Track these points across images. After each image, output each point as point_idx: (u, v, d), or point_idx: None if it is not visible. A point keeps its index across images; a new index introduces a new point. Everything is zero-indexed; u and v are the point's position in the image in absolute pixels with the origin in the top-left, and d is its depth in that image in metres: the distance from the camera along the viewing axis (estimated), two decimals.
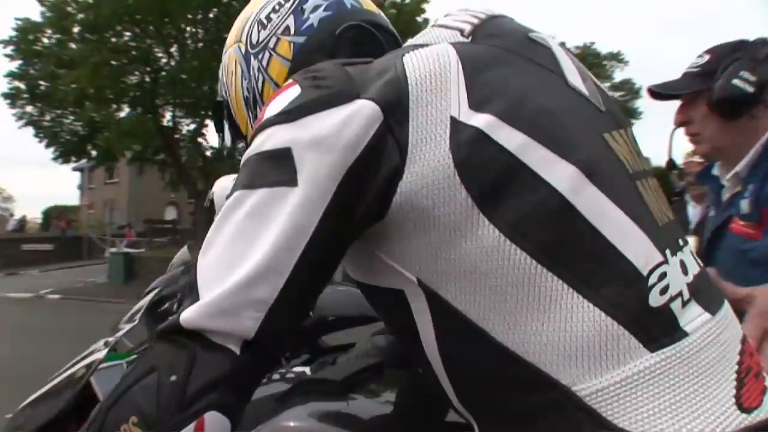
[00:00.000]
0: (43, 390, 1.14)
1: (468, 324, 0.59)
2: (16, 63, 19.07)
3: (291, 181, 0.58)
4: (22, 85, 19.17)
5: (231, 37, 0.93)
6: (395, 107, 0.60)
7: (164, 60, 19.41)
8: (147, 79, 19.13)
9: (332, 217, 0.59)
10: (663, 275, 0.59)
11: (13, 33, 18.85)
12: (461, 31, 0.70)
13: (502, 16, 0.74)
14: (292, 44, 0.84)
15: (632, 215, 0.60)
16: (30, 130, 19.70)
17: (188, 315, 0.58)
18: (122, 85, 18.45)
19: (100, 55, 16.78)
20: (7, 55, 18.94)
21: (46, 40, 19.13)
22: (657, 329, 0.57)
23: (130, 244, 23.23)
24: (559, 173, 0.58)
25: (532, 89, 0.64)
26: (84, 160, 22.49)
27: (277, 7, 0.87)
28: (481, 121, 0.59)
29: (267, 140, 0.61)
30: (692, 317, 0.59)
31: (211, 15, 18.47)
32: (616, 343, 0.55)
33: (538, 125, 0.60)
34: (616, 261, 0.58)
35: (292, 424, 0.86)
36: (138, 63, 18.84)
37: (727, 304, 0.67)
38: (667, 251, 0.61)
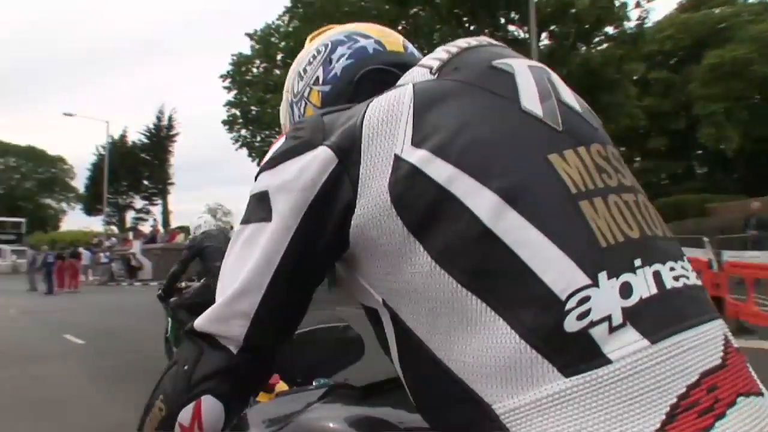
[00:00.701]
0: None
1: (418, 342, 0.64)
2: (232, 93, 21.41)
3: (268, 217, 0.70)
4: (237, 112, 21.43)
5: (285, 86, 1.00)
6: (349, 151, 0.67)
7: None
8: None
9: (296, 246, 0.68)
10: (585, 299, 0.56)
11: (230, 68, 21.17)
12: (430, 69, 0.74)
13: (478, 46, 0.77)
14: (320, 93, 0.91)
15: (557, 238, 0.58)
16: (244, 151, 21.96)
17: (199, 320, 0.73)
18: None
19: None
20: (225, 87, 21.37)
21: (255, 70, 21.18)
22: (573, 354, 0.55)
23: None
24: (481, 201, 0.60)
25: (475, 120, 0.66)
26: None
27: (311, 59, 0.94)
28: (417, 157, 0.64)
29: (257, 184, 0.73)
30: (621, 344, 0.55)
31: (399, 27, 18.95)
32: (530, 366, 0.56)
33: (468, 156, 0.63)
34: (533, 285, 0.57)
35: (310, 423, 0.94)
36: None
37: (700, 330, 0.59)
38: (602, 274, 0.58)
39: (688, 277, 0.63)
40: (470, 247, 0.60)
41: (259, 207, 0.71)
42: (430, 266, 0.61)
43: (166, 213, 48.38)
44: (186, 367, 0.72)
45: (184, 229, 38.69)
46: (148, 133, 47.80)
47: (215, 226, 7.04)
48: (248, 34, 20.94)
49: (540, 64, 0.76)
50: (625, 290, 0.57)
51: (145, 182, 49.21)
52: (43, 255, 21.32)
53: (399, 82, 0.76)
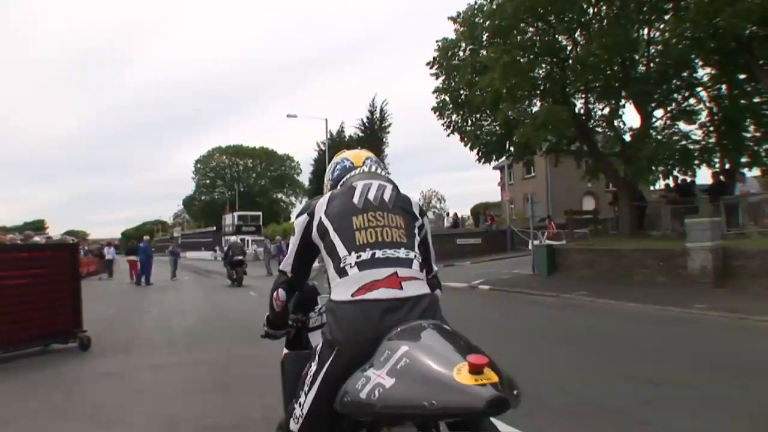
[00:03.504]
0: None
1: (327, 271, 2.20)
2: (440, 80, 21.30)
3: (294, 234, 2.35)
4: (446, 98, 21.29)
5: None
6: (312, 214, 2.25)
7: (569, 47, 18.95)
8: (555, 70, 18.97)
9: (300, 241, 2.31)
10: (345, 258, 2.05)
11: (435, 54, 21.08)
12: (336, 184, 2.48)
13: (358, 173, 2.40)
14: (329, 185, 2.57)
15: (344, 241, 2.09)
16: (456, 136, 21.77)
17: (280, 266, 2.46)
18: (532, 80, 18.70)
19: (508, 55, 17.28)
20: (432, 74, 21.34)
21: (461, 54, 20.80)
22: (342, 273, 2.04)
23: (552, 236, 23.49)
24: (331, 230, 2.14)
25: (337, 205, 2.19)
26: (503, 158, 23.76)
27: (331, 168, 2.62)
28: (324, 217, 2.19)
29: (294, 222, 2.38)
30: (352, 271, 2.02)
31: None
32: (335, 277, 2.06)
33: (332, 218, 2.17)
34: (338, 254, 2.08)
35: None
36: (544, 55, 18.84)
37: (382, 270, 2.00)
38: (353, 251, 2.05)
39: (393, 254, 2.05)
40: (327, 242, 2.13)
41: (293, 230, 2.33)
42: (323, 249, 2.17)
43: None
44: (276, 280, 2.42)
45: None
46: (362, 127, 50.48)
47: (238, 239, 27.56)
48: (451, 18, 20.64)
49: (370, 181, 2.26)
50: (359, 256, 2.03)
51: None
52: (276, 244, 23.47)
53: (344, 182, 2.40)
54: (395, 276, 1.97)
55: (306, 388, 2.05)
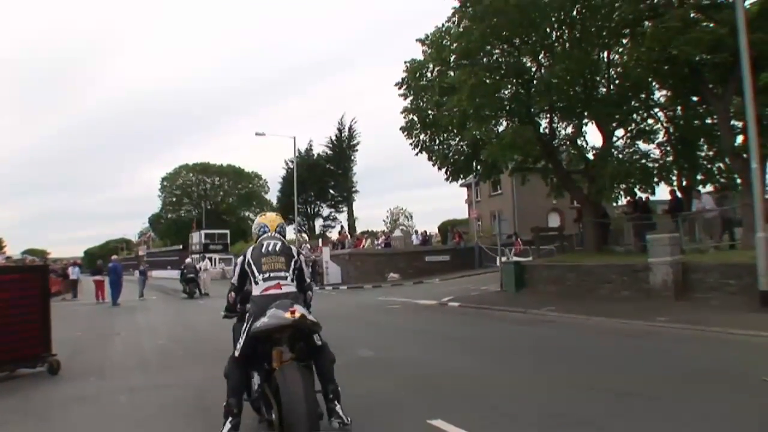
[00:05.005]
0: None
1: (251, 288, 4.86)
2: (409, 100, 21.62)
3: (236, 266, 4.98)
4: (414, 118, 21.61)
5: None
6: (244, 256, 4.83)
7: (534, 69, 19.48)
8: (521, 91, 19.46)
9: (240, 270, 4.84)
10: (256, 276, 4.62)
11: (404, 75, 21.41)
12: (256, 239, 5.08)
13: (268, 235, 4.98)
14: (255, 238, 5.10)
15: (257, 269, 4.64)
16: (424, 156, 22.08)
17: (232, 280, 5.06)
18: (498, 101, 19.13)
19: (475, 76, 17.69)
20: (401, 95, 21.65)
21: (429, 75, 21.18)
22: (257, 283, 4.60)
23: (519, 252, 23.90)
24: (253, 264, 4.70)
25: (256, 252, 4.76)
26: (471, 176, 24.12)
27: (257, 225, 5.15)
28: (250, 258, 4.75)
29: (238, 259, 5.06)
30: (260, 282, 4.57)
31: (574, 13, 17.76)
32: (254, 284, 4.66)
33: (254, 259, 4.72)
34: (255, 274, 4.63)
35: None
36: (510, 77, 19.32)
37: (273, 280, 4.56)
38: (262, 273, 4.61)
39: (279, 275, 4.60)
40: (251, 270, 4.67)
41: (236, 262, 5.00)
42: (249, 273, 4.70)
43: (351, 219, 50.75)
44: (229, 288, 5.06)
45: (371, 235, 40.38)
46: (330, 145, 50.63)
47: (191, 260, 29.82)
48: (419, 40, 21.04)
49: (272, 240, 4.87)
50: (263, 275, 4.59)
51: (331, 191, 52.04)
52: None
53: (260, 240, 4.98)
54: (279, 284, 4.46)
55: (242, 334, 4.39)
